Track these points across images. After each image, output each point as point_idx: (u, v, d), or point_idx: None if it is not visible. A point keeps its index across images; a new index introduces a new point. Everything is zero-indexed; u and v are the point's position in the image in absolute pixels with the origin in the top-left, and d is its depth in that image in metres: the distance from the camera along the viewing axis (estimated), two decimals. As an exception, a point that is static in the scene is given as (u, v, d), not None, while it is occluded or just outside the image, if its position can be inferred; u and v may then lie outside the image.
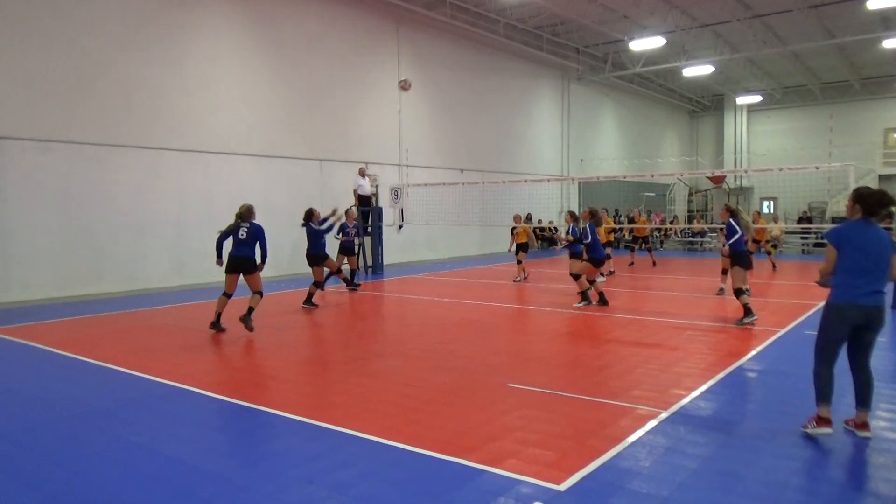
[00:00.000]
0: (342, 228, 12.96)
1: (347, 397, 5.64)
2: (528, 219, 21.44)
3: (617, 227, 20.96)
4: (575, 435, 4.61)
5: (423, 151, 20.32)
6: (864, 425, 4.54)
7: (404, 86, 19.10)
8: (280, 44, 15.98)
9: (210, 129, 14.55)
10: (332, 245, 12.48)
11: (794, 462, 4.15)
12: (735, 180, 32.41)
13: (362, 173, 16.65)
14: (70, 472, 4.13)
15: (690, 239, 26.30)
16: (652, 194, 30.15)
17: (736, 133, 35.83)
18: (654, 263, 18.14)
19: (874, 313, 4.42)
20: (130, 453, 4.41)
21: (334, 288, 13.32)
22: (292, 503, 3.63)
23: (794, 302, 11.10)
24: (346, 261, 13.54)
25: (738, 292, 8.93)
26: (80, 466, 4.21)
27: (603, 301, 10.66)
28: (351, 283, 13.05)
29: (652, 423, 4.81)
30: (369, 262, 17.00)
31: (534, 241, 16.38)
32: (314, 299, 11.00)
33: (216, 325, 8.64)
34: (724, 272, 12.12)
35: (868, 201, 4.45)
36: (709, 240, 25.34)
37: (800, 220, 25.91)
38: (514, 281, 14.50)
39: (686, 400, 5.41)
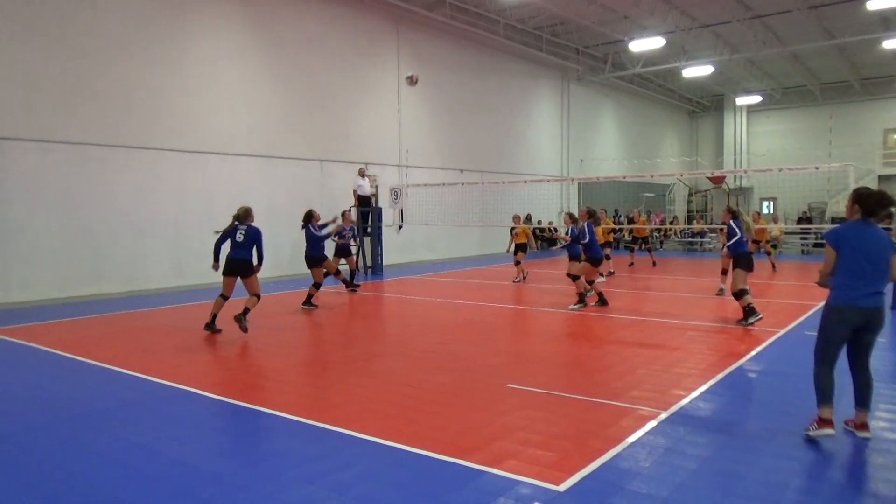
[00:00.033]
0: (338, 230, 12.96)
1: (347, 398, 5.64)
2: (528, 219, 21.46)
3: (616, 227, 20.98)
4: (575, 435, 4.61)
5: (423, 152, 20.32)
6: (864, 426, 4.54)
7: (412, 80, 18.98)
8: (280, 44, 15.98)
9: (210, 129, 14.56)
10: (330, 246, 12.47)
11: (794, 462, 4.15)
12: (735, 181, 32.41)
13: (362, 174, 16.68)
14: (70, 472, 4.13)
15: (690, 239, 26.30)
16: (652, 195, 30.14)
17: (736, 133, 35.86)
18: (653, 264, 18.14)
19: (874, 315, 4.41)
20: (130, 454, 4.41)
21: (334, 289, 13.32)
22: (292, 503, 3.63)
23: (793, 302, 11.10)
24: (343, 262, 13.52)
25: (740, 294, 8.90)
26: (80, 467, 4.21)
27: (602, 301, 10.66)
28: (350, 284, 13.05)
29: (652, 424, 4.82)
30: (369, 263, 17.01)
31: (533, 241, 16.37)
32: (313, 300, 11.02)
33: (211, 325, 8.63)
34: (724, 273, 12.13)
35: (867, 202, 4.44)
36: (708, 240, 25.34)
37: (799, 221, 25.91)
38: (514, 281, 14.49)
39: (686, 400, 5.41)
